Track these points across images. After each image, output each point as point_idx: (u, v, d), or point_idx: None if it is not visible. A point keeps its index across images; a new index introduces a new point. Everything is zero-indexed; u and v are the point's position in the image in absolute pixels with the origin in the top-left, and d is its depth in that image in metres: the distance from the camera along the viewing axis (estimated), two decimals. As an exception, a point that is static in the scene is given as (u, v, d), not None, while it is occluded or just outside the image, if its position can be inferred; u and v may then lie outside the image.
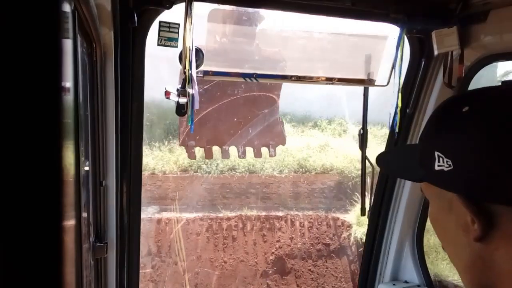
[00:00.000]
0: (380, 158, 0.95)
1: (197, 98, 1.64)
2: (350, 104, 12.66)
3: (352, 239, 9.27)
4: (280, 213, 10.02)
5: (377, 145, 12.37)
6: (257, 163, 11.22)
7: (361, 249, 8.58)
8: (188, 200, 9.97)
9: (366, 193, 2.68)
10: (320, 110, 13.06)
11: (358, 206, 9.36)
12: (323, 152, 11.51)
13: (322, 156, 11.30)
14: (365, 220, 9.34)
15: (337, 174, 11.02)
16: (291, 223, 10.03)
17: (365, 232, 9.20)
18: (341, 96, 12.78)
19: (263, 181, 11.00)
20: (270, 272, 9.17)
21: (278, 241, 9.63)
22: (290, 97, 11.47)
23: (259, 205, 10.19)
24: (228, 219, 9.72)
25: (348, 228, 9.68)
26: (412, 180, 1.13)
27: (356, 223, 9.28)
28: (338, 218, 10.15)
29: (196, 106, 1.65)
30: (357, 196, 9.88)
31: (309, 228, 10.01)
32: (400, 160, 0.89)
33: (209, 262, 9.29)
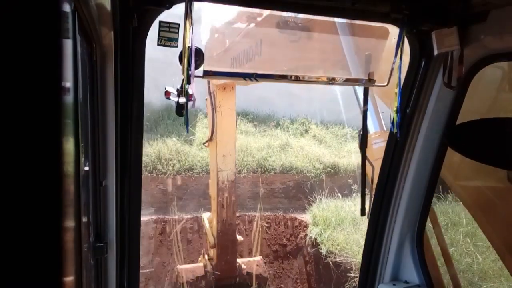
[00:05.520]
0: (451, 135, 0.65)
1: (194, 98, 1.64)
2: (313, 104, 12.70)
3: (307, 239, 8.90)
4: (237, 214, 9.15)
5: (338, 144, 12.26)
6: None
7: (314, 249, 8.38)
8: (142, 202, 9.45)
9: (366, 193, 2.67)
10: (283, 109, 12.98)
11: (315, 206, 9.40)
12: (283, 152, 11.25)
13: (282, 156, 11.04)
14: (319, 220, 9.10)
15: (296, 174, 10.78)
16: (248, 224, 9.63)
17: (319, 232, 8.81)
18: (304, 95, 12.67)
19: (220, 181, 10.64)
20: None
21: (235, 242, 9.15)
22: (252, 95, 11.30)
23: (216, 206, 9.90)
24: (184, 221, 9.28)
25: (304, 229, 9.37)
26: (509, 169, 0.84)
27: (312, 223, 8.97)
28: (295, 218, 9.87)
29: (193, 106, 1.66)
30: (314, 196, 9.80)
31: (267, 229, 9.65)
32: (485, 140, 0.59)
33: (161, 266, 8.89)
